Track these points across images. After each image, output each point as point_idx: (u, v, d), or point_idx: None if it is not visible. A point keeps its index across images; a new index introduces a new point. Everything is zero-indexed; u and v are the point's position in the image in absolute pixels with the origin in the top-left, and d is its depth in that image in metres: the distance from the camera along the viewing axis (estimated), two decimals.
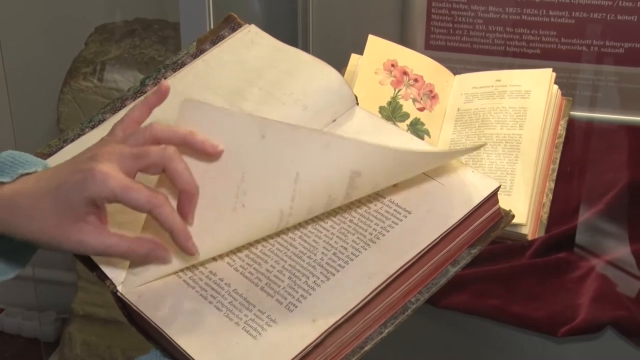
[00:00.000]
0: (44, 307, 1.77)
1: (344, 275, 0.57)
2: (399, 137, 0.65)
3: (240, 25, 0.74)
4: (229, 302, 0.57)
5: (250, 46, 0.72)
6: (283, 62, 0.69)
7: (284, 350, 0.54)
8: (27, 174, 0.59)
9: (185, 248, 0.58)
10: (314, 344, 0.54)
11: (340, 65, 0.93)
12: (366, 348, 0.58)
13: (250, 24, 0.74)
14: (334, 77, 0.68)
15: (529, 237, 0.90)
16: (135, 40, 1.45)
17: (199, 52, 0.73)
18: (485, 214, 0.62)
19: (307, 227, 0.60)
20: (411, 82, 0.98)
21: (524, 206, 0.90)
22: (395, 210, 0.61)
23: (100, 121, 0.70)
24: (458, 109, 0.99)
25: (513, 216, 0.63)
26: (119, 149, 0.57)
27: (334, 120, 0.66)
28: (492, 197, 0.61)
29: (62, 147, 0.69)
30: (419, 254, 0.58)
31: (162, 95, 0.62)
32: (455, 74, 1.02)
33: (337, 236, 0.60)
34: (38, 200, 0.57)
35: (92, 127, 0.70)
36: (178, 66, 0.72)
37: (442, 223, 0.59)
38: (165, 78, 0.71)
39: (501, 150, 0.93)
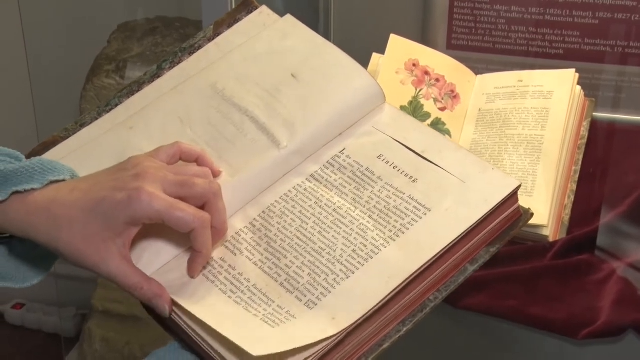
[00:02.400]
0: (64, 303, 1.78)
1: (364, 274, 0.57)
2: (426, 135, 0.65)
3: (256, 9, 0.74)
4: (248, 297, 0.58)
5: (285, 36, 0.71)
6: (319, 60, 0.69)
7: (303, 341, 0.54)
8: (57, 181, 0.59)
9: (194, 270, 0.59)
10: (333, 342, 0.54)
11: (361, 64, 0.93)
12: (384, 346, 0.58)
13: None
14: (366, 80, 0.68)
15: (550, 239, 0.90)
16: (157, 38, 1.46)
17: (216, 35, 0.73)
18: (504, 213, 0.62)
19: (326, 221, 0.61)
20: (432, 81, 0.98)
21: (545, 207, 0.90)
22: (414, 207, 0.61)
23: (117, 105, 0.70)
24: (480, 109, 0.99)
25: (532, 214, 0.63)
26: (164, 173, 0.58)
27: (364, 117, 0.67)
28: (512, 196, 0.62)
29: (78, 131, 0.69)
30: (438, 253, 0.58)
31: (215, 173, 0.63)
32: (477, 74, 1.02)
33: (357, 232, 0.60)
34: (71, 210, 0.57)
35: (109, 111, 0.70)
36: (194, 49, 0.73)
37: (461, 222, 0.59)
38: (181, 62, 0.72)
39: (523, 151, 0.93)
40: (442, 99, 0.98)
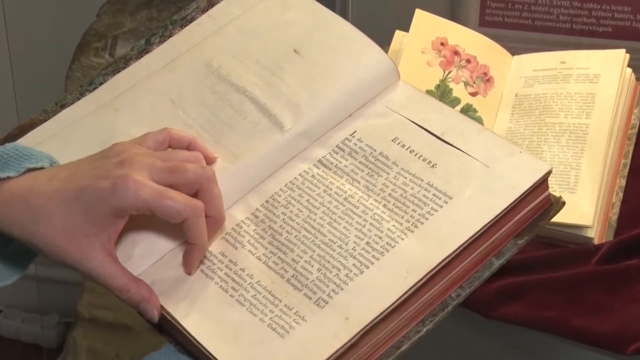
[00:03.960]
0: (46, 309, 1.79)
1: (379, 269, 0.58)
2: (446, 115, 0.66)
3: None
4: (252, 296, 0.58)
5: (285, 8, 0.72)
6: (324, 33, 0.70)
7: (315, 352, 0.55)
8: (34, 169, 0.60)
9: (190, 265, 0.60)
10: (347, 344, 0.55)
11: (382, 43, 0.93)
12: (402, 348, 0.58)
13: None
14: (377, 54, 0.69)
15: (596, 241, 0.90)
16: (151, 12, 1.47)
17: (210, 6, 0.74)
18: (534, 201, 0.62)
19: (337, 211, 0.62)
20: (463, 63, 0.98)
21: (590, 206, 0.90)
22: (434, 194, 0.61)
23: (101, 83, 0.71)
24: (516, 95, 0.99)
25: (564, 203, 0.64)
26: (151, 159, 0.59)
27: (376, 96, 0.68)
28: (542, 182, 0.62)
29: (58, 113, 0.70)
30: (461, 245, 0.59)
31: (210, 160, 0.64)
32: (513, 54, 1.02)
33: (371, 223, 0.61)
34: (50, 201, 0.57)
35: (92, 91, 0.71)
36: (186, 22, 0.73)
37: (486, 211, 0.60)
38: (172, 36, 0.72)
39: (565, 141, 0.93)
40: (474, 82, 0.98)
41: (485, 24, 1.19)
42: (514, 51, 1.02)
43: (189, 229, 0.58)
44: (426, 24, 0.98)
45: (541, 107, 0.96)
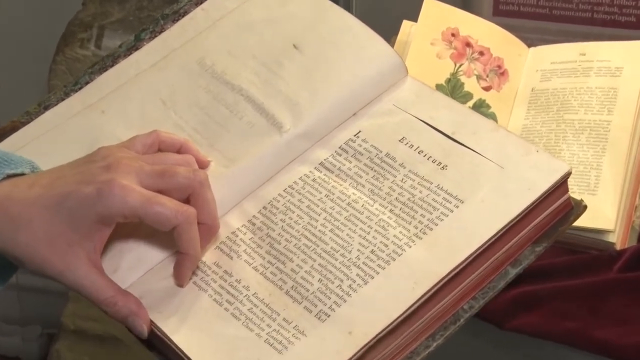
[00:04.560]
0: (28, 320, 1.79)
1: (385, 279, 0.58)
2: (457, 113, 0.66)
3: None
4: (248, 309, 0.58)
5: (284, 0, 0.72)
6: (325, 27, 0.70)
7: None
8: (14, 175, 0.60)
9: (181, 276, 0.60)
10: None
11: (389, 33, 0.93)
12: None
13: None
14: (383, 49, 0.69)
15: (618, 247, 0.90)
16: (141, 1, 1.47)
17: None
18: (552, 205, 0.62)
19: (340, 218, 0.62)
20: (475, 55, 0.98)
21: (612, 209, 0.90)
22: (444, 198, 0.61)
23: (87, 83, 0.71)
24: (532, 89, 0.99)
25: (585, 207, 0.64)
26: (139, 163, 0.59)
27: (382, 94, 0.68)
28: (562, 183, 0.62)
29: (41, 114, 0.70)
30: (473, 253, 0.59)
31: (203, 164, 0.64)
32: (529, 45, 1.02)
33: (376, 230, 0.61)
34: (31, 209, 0.57)
35: (77, 91, 0.71)
36: (179, 16, 0.74)
37: (500, 215, 0.60)
38: (163, 31, 0.73)
39: (585, 139, 0.93)
40: (487, 76, 0.98)
41: (500, 13, 1.19)
42: (530, 42, 1.03)
43: (181, 237, 0.58)
44: (436, 14, 0.98)
45: (559, 103, 0.96)
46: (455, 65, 0.97)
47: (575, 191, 0.89)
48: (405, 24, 1.00)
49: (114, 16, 1.46)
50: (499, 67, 0.99)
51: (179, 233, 0.57)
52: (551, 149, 0.93)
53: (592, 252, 0.92)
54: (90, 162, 0.59)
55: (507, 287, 0.88)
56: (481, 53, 0.98)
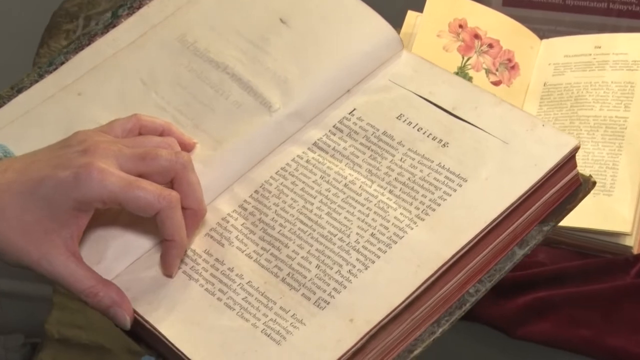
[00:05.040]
0: (9, 328, 1.79)
1: (387, 263, 0.58)
2: (457, 87, 0.66)
3: None
4: (242, 299, 0.59)
5: None
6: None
7: (316, 359, 0.55)
8: None
9: (169, 266, 0.60)
10: (352, 349, 0.55)
11: (393, 25, 0.93)
12: (415, 352, 0.59)
13: None
14: (376, 21, 0.69)
15: (635, 250, 0.91)
16: None
17: None
18: (560, 181, 0.62)
19: (336, 200, 0.62)
20: (484, 47, 0.99)
21: (629, 210, 0.90)
22: (446, 177, 0.62)
23: (62, 63, 0.71)
24: (545, 84, 0.99)
25: (594, 183, 0.64)
26: (118, 146, 0.59)
27: (376, 69, 0.68)
28: (570, 159, 0.62)
29: (14, 97, 0.69)
30: (478, 234, 0.59)
31: (187, 146, 0.65)
32: (541, 37, 1.03)
33: (375, 212, 0.61)
34: (4, 195, 0.57)
35: (52, 72, 0.71)
36: None
37: (506, 193, 0.60)
38: (142, 7, 0.72)
39: (600, 137, 0.94)
40: (497, 70, 0.98)
41: (510, 3, 1.19)
42: (542, 34, 1.03)
43: (164, 222, 0.58)
44: (442, 4, 0.98)
45: (573, 98, 0.97)
46: (463, 58, 0.97)
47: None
48: (410, 15, 1.00)
49: (101, 6, 1.46)
50: (509, 60, 0.99)
51: (162, 219, 0.57)
52: None
53: (607, 256, 0.92)
54: (66, 147, 0.59)
55: (518, 293, 0.90)
56: (490, 45, 0.98)
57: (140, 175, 0.58)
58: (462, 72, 0.96)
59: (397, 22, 0.97)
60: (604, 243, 0.91)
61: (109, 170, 0.56)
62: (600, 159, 0.92)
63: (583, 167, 0.91)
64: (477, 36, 0.98)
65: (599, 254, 0.92)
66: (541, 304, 0.90)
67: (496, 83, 0.97)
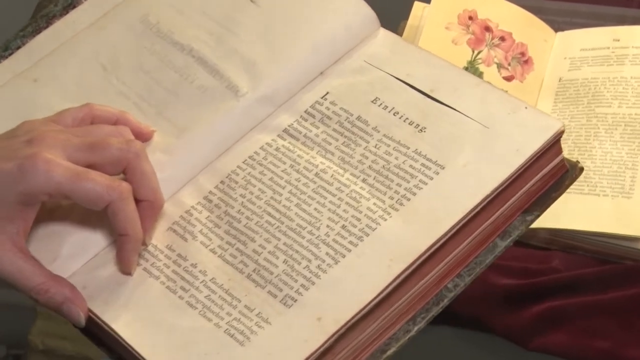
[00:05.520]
0: None
1: (358, 257, 0.58)
2: (436, 68, 0.66)
3: None
4: (205, 297, 0.58)
5: None
6: None
7: None
8: None
9: (126, 262, 0.60)
10: (320, 350, 0.55)
11: (398, 17, 0.93)
12: (389, 352, 0.58)
13: None
14: (353, 3, 0.68)
15: None
16: None
17: None
18: (544, 168, 0.62)
19: (306, 190, 0.62)
20: (496, 41, 0.99)
21: None
22: (422, 164, 0.61)
23: (18, 47, 0.71)
24: (560, 79, 0.99)
25: (581, 169, 0.64)
26: (66, 136, 0.59)
27: (351, 50, 0.68)
28: (554, 143, 0.62)
29: None
30: (457, 224, 0.59)
31: (144, 135, 0.64)
32: (556, 30, 1.02)
33: (347, 202, 0.61)
34: None
35: (8, 57, 0.71)
36: None
37: (486, 181, 0.60)
38: None
39: (619, 136, 0.94)
40: (509, 64, 0.98)
41: None
42: (557, 26, 1.03)
43: (115, 215, 0.57)
44: None
45: (590, 95, 0.96)
46: (473, 52, 0.97)
47: (608, 194, 0.89)
48: (417, 6, 1.00)
49: None
50: (523, 54, 0.99)
51: (114, 211, 0.57)
52: (581, 147, 0.93)
53: (625, 263, 0.92)
54: (11, 137, 0.59)
55: (531, 302, 0.90)
56: (502, 38, 0.98)
57: (90, 166, 0.58)
58: (472, 67, 0.96)
59: (402, 15, 0.97)
60: (623, 248, 0.91)
61: (56, 160, 0.56)
62: (618, 159, 0.92)
63: (600, 167, 0.91)
64: (488, 28, 0.98)
65: (618, 260, 0.92)
66: (556, 313, 0.90)
67: (508, 78, 0.97)
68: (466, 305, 0.89)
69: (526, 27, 0.99)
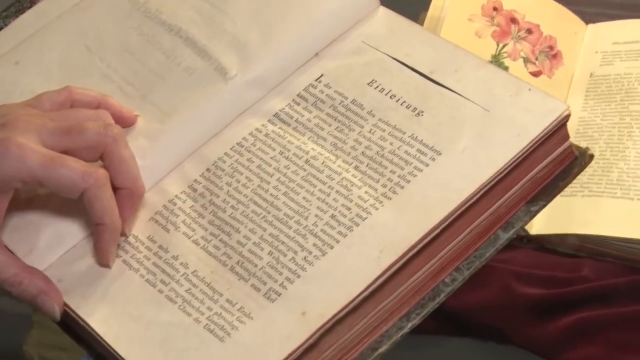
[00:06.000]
0: None
1: (347, 248, 0.58)
2: (437, 49, 0.66)
3: None
4: (185, 290, 0.59)
5: None
6: None
7: (263, 358, 0.55)
8: None
9: (103, 253, 0.60)
10: (303, 346, 0.55)
11: (418, 8, 0.93)
12: (381, 350, 0.58)
13: None
14: None
15: None
16: None
17: None
18: (550, 155, 0.62)
19: (295, 178, 0.62)
20: (522, 33, 0.98)
21: None
22: (418, 150, 0.61)
23: (0, 28, 0.71)
24: (591, 74, 0.99)
25: (591, 157, 0.63)
26: (41, 120, 0.59)
27: (349, 29, 0.68)
28: (560, 127, 0.62)
29: None
30: (452, 213, 0.58)
31: (127, 120, 0.65)
32: (587, 22, 1.02)
33: (337, 191, 0.61)
34: None
35: None
36: None
37: (484, 167, 0.60)
38: None
39: None
40: (537, 58, 0.98)
41: None
42: (588, 18, 1.02)
43: (91, 203, 0.58)
44: None
45: (624, 91, 0.96)
46: (498, 45, 0.97)
47: None
48: None
49: None
50: (551, 48, 0.98)
51: (89, 199, 0.57)
52: (614, 147, 0.92)
53: None
54: None
55: (561, 313, 0.89)
56: (529, 31, 0.98)
57: (66, 152, 0.58)
58: (497, 61, 0.96)
59: (422, 5, 0.97)
60: None
61: (29, 145, 0.56)
62: None
63: (634, 169, 0.90)
64: (514, 20, 0.98)
65: None
66: (586, 325, 0.89)
67: (536, 74, 0.97)
68: (489, 316, 0.89)
69: (555, 19, 0.99)
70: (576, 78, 0.99)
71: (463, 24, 0.96)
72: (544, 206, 0.62)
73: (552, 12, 0.99)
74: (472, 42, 0.96)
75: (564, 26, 0.99)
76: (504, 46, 0.97)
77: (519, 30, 0.98)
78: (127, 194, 0.60)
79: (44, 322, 1.56)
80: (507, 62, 0.96)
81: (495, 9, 0.97)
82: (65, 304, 0.59)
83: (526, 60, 0.97)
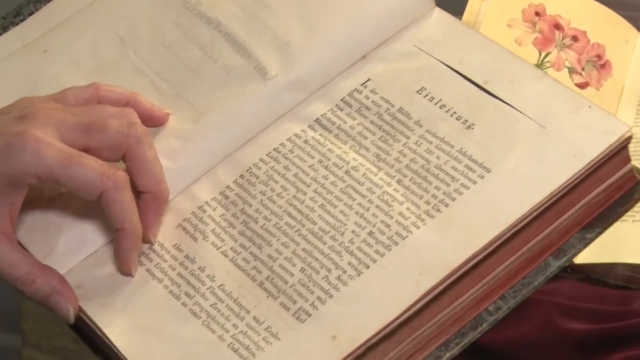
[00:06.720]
0: None
1: (383, 268, 0.59)
2: (494, 56, 0.67)
3: None
4: (211, 305, 0.59)
5: None
6: None
7: None
8: None
9: (124, 261, 0.60)
10: None
11: (453, 13, 0.93)
12: None
13: None
14: None
15: None
16: None
17: None
18: (608, 178, 0.62)
19: (334, 190, 0.62)
20: (567, 41, 0.98)
21: None
22: (466, 166, 0.62)
23: (31, 14, 0.73)
24: None
25: None
26: (62, 114, 0.60)
27: (400, 31, 0.68)
28: (621, 150, 0.62)
29: None
30: (500, 236, 0.59)
31: (157, 119, 0.65)
32: (639, 28, 1.01)
33: (377, 206, 0.61)
34: None
35: (18, 24, 0.73)
36: None
37: (536, 188, 0.60)
38: None
39: None
40: (583, 69, 0.98)
41: None
42: None
43: (110, 206, 0.58)
44: None
45: None
46: (540, 54, 0.96)
47: None
48: (474, 0, 0.99)
49: None
50: (599, 57, 0.98)
51: (108, 202, 0.58)
52: None
53: None
54: (4, 114, 0.60)
55: (612, 349, 0.88)
56: (575, 38, 0.97)
57: (86, 150, 0.59)
58: None
59: (457, 10, 0.96)
60: None
61: (47, 140, 0.57)
62: None
63: None
64: (558, 26, 0.97)
65: None
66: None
67: (582, 85, 0.96)
68: (529, 353, 0.88)
69: (604, 25, 0.98)
70: (627, 90, 0.98)
71: (501, 31, 0.96)
72: (600, 233, 0.62)
73: (601, 18, 0.99)
74: (512, 49, 0.95)
75: (613, 33, 0.99)
76: (546, 55, 0.96)
77: (563, 38, 0.97)
78: (150, 198, 0.61)
79: (35, 357, 1.57)
80: (550, 72, 0.96)
81: (537, 13, 0.97)
82: (82, 311, 0.60)
83: (571, 71, 0.96)
